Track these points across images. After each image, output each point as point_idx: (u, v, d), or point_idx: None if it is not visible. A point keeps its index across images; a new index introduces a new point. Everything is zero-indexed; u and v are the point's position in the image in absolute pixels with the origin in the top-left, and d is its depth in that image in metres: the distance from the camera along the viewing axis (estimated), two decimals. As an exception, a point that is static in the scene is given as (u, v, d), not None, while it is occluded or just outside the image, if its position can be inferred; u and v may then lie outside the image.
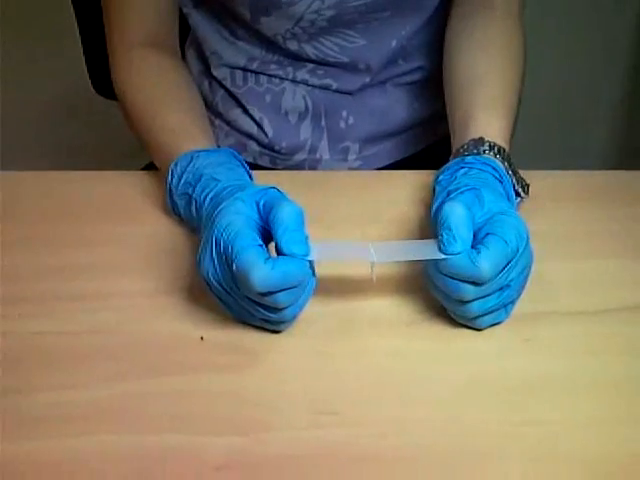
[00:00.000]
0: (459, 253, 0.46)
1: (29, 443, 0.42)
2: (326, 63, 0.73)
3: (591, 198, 0.64)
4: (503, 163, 0.57)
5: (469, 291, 0.47)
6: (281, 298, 0.46)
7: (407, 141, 0.80)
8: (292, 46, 0.72)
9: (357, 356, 0.49)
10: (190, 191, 0.56)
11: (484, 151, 0.57)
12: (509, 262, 0.47)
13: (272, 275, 0.44)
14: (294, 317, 0.49)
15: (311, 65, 0.74)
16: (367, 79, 0.75)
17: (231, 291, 0.48)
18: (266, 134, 0.77)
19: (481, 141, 0.58)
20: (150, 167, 0.68)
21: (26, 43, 1.39)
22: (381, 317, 0.51)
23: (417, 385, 0.47)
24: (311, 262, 0.48)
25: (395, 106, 0.77)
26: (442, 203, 0.51)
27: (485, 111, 0.61)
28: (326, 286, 0.52)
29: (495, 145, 0.58)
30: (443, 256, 0.47)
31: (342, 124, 0.77)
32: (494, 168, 0.55)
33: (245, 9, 0.70)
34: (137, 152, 0.68)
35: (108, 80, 0.70)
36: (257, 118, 0.76)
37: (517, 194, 0.59)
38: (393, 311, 0.52)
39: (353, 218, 0.61)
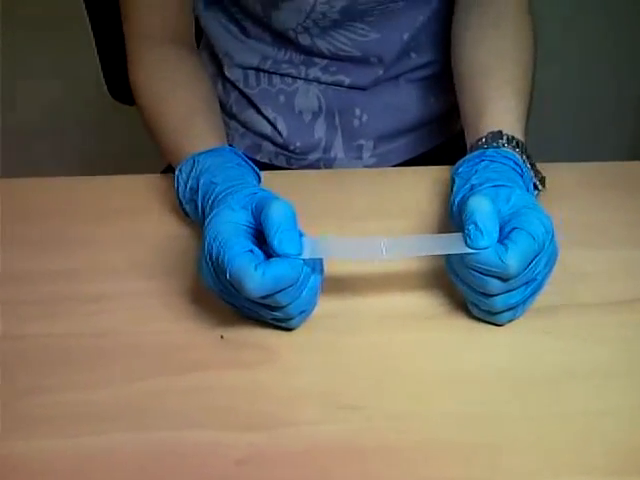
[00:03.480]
0: (486, 248, 0.46)
1: (44, 442, 0.43)
2: (338, 58, 0.73)
3: (613, 188, 0.64)
4: (521, 156, 0.57)
5: (495, 285, 0.46)
6: (280, 298, 0.46)
7: (422, 138, 0.80)
8: (304, 41, 0.72)
9: (376, 350, 0.48)
10: (195, 197, 0.56)
11: (503, 144, 0.57)
12: (535, 257, 0.47)
13: (264, 281, 0.44)
14: (302, 312, 0.48)
15: (323, 62, 0.74)
16: (380, 72, 0.74)
17: (233, 296, 0.48)
18: (280, 134, 0.77)
19: (499, 134, 0.58)
20: (168, 170, 0.68)
21: (44, 46, 1.40)
22: (401, 311, 0.51)
23: (438, 378, 0.46)
24: (318, 258, 0.48)
25: (409, 102, 0.77)
26: (465, 196, 0.51)
27: (500, 100, 0.60)
28: (343, 281, 0.53)
29: (513, 138, 0.57)
30: (469, 250, 0.46)
31: (356, 122, 0.77)
32: (515, 162, 0.55)
33: (256, 3, 0.70)
34: (155, 156, 0.69)
35: (124, 85, 0.71)
36: (271, 118, 0.77)
37: (534, 187, 0.58)
38: (413, 304, 0.52)
39: (369, 215, 0.61)
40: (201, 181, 0.55)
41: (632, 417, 0.43)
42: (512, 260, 0.45)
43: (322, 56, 0.74)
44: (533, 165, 0.59)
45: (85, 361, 0.48)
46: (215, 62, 0.79)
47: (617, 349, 0.48)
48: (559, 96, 1.45)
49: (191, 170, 0.57)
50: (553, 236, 0.48)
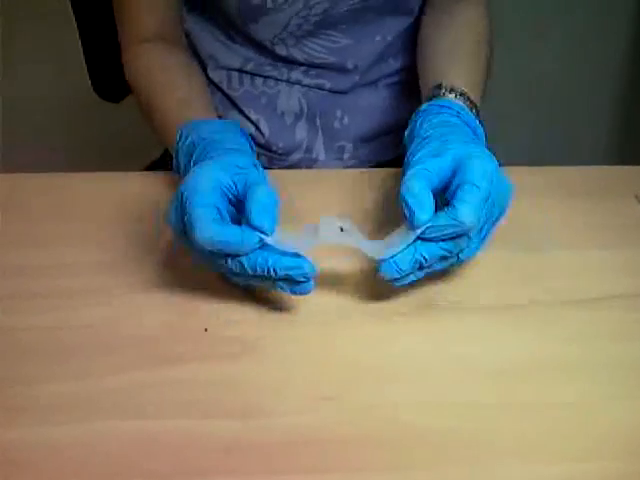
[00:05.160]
0: (426, 222, 0.48)
1: (39, 429, 0.44)
2: (315, 65, 0.76)
3: (587, 192, 0.66)
4: (461, 97, 0.60)
5: (463, 242, 0.50)
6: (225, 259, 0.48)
7: (400, 139, 0.81)
8: (281, 51, 0.75)
9: (355, 343, 0.50)
10: (192, 150, 0.58)
11: (443, 93, 0.60)
12: (486, 201, 0.49)
13: (213, 237, 0.47)
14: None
15: (303, 67, 0.76)
16: (357, 77, 0.77)
17: (188, 242, 0.50)
18: (263, 135, 0.78)
19: (439, 86, 0.61)
20: (151, 167, 0.69)
21: (29, 42, 1.40)
22: (380, 305, 0.53)
23: (414, 370, 0.48)
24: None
25: (388, 105, 0.79)
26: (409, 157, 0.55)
27: (455, 77, 0.64)
28: (326, 277, 0.54)
29: (452, 89, 0.60)
30: (413, 236, 0.49)
31: (337, 124, 0.79)
32: (449, 107, 0.58)
33: (237, 17, 0.72)
34: (140, 152, 0.70)
35: (109, 84, 0.72)
36: (254, 119, 0.78)
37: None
38: (391, 299, 0.54)
39: (349, 214, 0.63)
40: (204, 139, 0.57)
41: (590, 409, 0.46)
42: (465, 216, 0.48)
43: (300, 64, 0.76)
44: (475, 105, 0.61)
45: (68, 353, 0.49)
46: (198, 63, 0.80)
47: (578, 344, 0.50)
48: (536, 99, 1.48)
49: (194, 129, 0.59)
50: (498, 178, 0.50)
